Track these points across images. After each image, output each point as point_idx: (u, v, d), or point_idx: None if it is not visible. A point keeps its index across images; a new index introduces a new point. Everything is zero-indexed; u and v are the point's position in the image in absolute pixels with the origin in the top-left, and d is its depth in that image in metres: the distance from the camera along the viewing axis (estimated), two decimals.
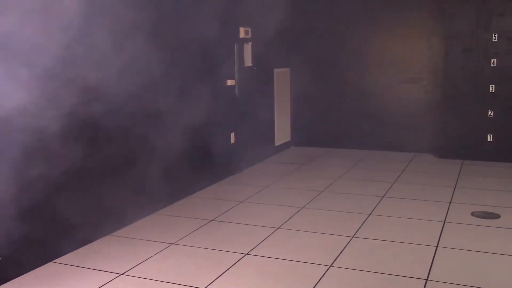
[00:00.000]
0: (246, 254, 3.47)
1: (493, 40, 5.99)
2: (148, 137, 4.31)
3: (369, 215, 4.26)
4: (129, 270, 3.25)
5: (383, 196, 4.79)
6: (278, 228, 3.98)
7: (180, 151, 4.73)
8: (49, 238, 3.39)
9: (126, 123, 4.01)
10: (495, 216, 4.18)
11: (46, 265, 3.34)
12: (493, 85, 6.06)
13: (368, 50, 6.86)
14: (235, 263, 3.33)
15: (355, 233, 3.83)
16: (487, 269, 3.17)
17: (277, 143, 6.88)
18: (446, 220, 4.08)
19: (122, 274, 3.20)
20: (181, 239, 3.79)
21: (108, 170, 3.87)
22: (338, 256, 3.40)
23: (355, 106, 7.00)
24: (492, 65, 6.04)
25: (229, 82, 5.52)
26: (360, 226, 3.98)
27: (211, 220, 4.21)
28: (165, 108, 4.49)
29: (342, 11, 6.91)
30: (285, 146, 7.14)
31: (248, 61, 5.86)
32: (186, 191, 4.88)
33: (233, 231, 3.95)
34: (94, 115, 3.67)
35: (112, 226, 3.92)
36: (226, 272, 3.19)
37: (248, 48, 5.83)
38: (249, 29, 5.80)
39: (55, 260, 3.41)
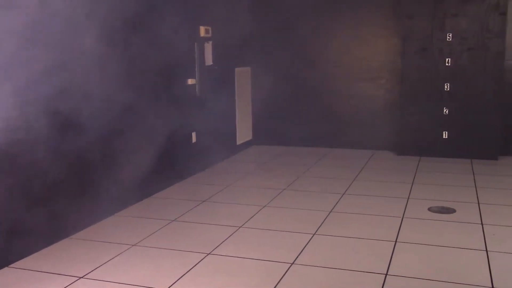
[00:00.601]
0: (208, 254, 3.46)
1: (447, 40, 6.17)
2: (108, 138, 4.23)
3: (330, 212, 4.32)
4: (89, 273, 3.20)
5: (344, 193, 4.86)
6: (240, 227, 3.98)
7: (141, 151, 4.67)
8: (5, 242, 3.29)
9: (85, 124, 3.93)
10: (451, 210, 4.31)
11: (2, 270, 3.24)
12: (448, 84, 6.24)
13: (328, 49, 6.94)
14: (198, 263, 3.32)
15: (317, 230, 3.87)
16: (444, 262, 3.27)
17: (239, 142, 6.89)
18: (404, 216, 4.18)
19: (82, 277, 3.14)
20: (142, 240, 3.74)
21: (66, 171, 3.78)
22: (300, 254, 3.43)
23: (316, 105, 7.08)
24: (447, 64, 6.21)
25: (190, 81, 5.49)
26: (322, 223, 4.03)
27: (173, 221, 4.18)
28: (125, 108, 4.42)
29: (302, 11, 6.96)
30: (246, 145, 7.15)
31: (209, 60, 5.84)
32: (148, 192, 4.83)
33: (195, 231, 3.93)
34: (53, 115, 3.59)
35: (71, 228, 3.84)
36: (188, 273, 3.17)
37: (208, 47, 5.81)
38: (210, 28, 5.78)
39: (12, 265, 3.31)
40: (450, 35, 6.15)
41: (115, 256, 3.45)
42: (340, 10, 6.81)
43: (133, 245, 3.64)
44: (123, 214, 4.36)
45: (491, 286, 2.92)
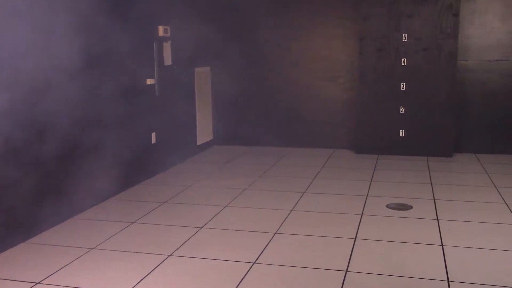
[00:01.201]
0: (169, 256, 3.43)
1: (403, 40, 6.31)
2: (64, 138, 4.13)
3: (291, 211, 4.35)
4: (46, 278, 3.11)
5: (304, 192, 4.91)
6: (201, 228, 3.96)
7: (100, 152, 4.58)
8: None
9: (41, 127, 3.83)
10: (408, 207, 4.41)
11: None
12: (404, 83, 6.39)
13: (287, 50, 6.99)
14: (159, 265, 3.28)
15: (278, 229, 3.90)
16: (402, 258, 3.34)
17: (199, 142, 6.85)
18: (363, 213, 4.26)
19: (38, 283, 3.05)
20: (101, 243, 3.68)
21: (22, 175, 3.67)
22: (261, 253, 3.45)
23: (276, 104, 7.11)
24: (402, 64, 6.36)
25: (149, 81, 5.42)
26: (283, 222, 4.06)
27: (133, 223, 4.12)
28: (82, 109, 4.33)
29: (262, 10, 6.99)
30: (207, 145, 7.13)
31: (168, 60, 5.79)
32: (107, 193, 4.74)
33: (155, 233, 3.89)
34: (11, 121, 3.48)
35: (26, 233, 3.73)
36: (149, 275, 3.13)
37: (167, 47, 5.76)
38: (168, 28, 5.73)
39: None
40: (406, 36, 6.30)
41: (74, 260, 3.37)
42: (299, 10, 6.86)
43: (92, 249, 3.57)
44: (81, 217, 4.27)
45: (446, 279, 3.01)
